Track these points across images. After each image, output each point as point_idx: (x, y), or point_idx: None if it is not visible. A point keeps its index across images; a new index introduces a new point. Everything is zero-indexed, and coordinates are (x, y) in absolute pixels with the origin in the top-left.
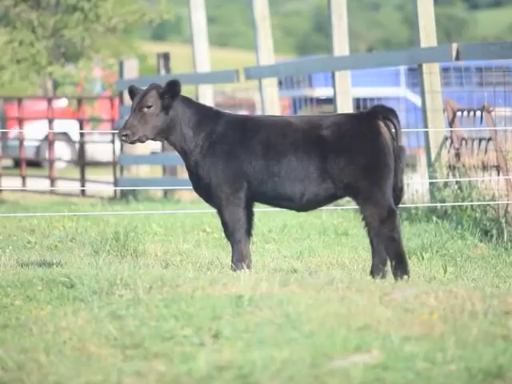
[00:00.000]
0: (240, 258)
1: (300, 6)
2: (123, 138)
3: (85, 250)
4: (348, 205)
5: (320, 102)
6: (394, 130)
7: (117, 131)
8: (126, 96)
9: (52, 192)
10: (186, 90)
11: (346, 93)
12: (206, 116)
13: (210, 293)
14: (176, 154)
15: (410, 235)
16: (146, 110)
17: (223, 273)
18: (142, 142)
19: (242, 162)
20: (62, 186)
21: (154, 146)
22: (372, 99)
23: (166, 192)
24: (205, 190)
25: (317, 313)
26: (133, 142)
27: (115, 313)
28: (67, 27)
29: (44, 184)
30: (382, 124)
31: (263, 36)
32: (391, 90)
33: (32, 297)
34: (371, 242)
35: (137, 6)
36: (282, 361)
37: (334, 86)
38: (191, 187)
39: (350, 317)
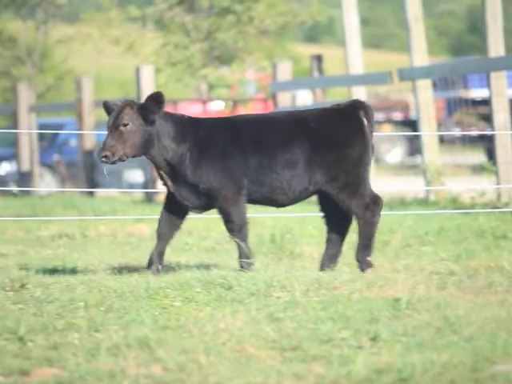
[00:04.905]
0: (249, 254)
1: (453, 6)
2: (103, 159)
3: None
4: (506, 207)
5: (475, 103)
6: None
7: None
8: (280, 98)
9: None
10: (338, 92)
11: (502, 94)
12: (184, 125)
13: (367, 295)
14: None
15: None
16: (122, 128)
17: (380, 275)
18: (123, 160)
19: (236, 161)
20: None
21: None
22: None
23: None
24: (198, 197)
25: (476, 316)
26: (114, 163)
27: (273, 315)
28: (220, 30)
29: None
30: (364, 118)
31: (416, 37)
32: None
33: (191, 298)
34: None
35: (288, 7)
36: (442, 364)
37: (489, 87)
38: None
39: (511, 321)
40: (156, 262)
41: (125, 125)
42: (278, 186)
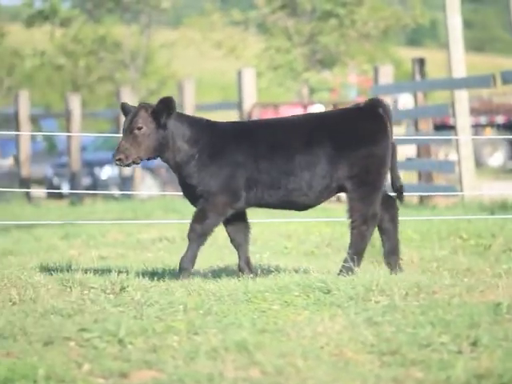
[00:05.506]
0: (192, 258)
1: None
2: (117, 162)
3: (340, 255)
4: None
5: None
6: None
7: None
8: None
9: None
10: (441, 96)
11: None
12: (199, 128)
13: (467, 300)
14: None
15: None
16: (136, 131)
17: (481, 280)
18: (137, 163)
19: (245, 168)
20: None
21: (409, 152)
22: None
23: (421, 198)
24: (196, 197)
25: None
26: (128, 166)
27: (371, 319)
28: (322, 33)
29: None
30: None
31: None
32: None
33: (289, 302)
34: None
35: (391, 11)
36: None
37: None
38: (448, 193)
39: None
40: (245, 269)
41: (139, 128)
42: (296, 187)
